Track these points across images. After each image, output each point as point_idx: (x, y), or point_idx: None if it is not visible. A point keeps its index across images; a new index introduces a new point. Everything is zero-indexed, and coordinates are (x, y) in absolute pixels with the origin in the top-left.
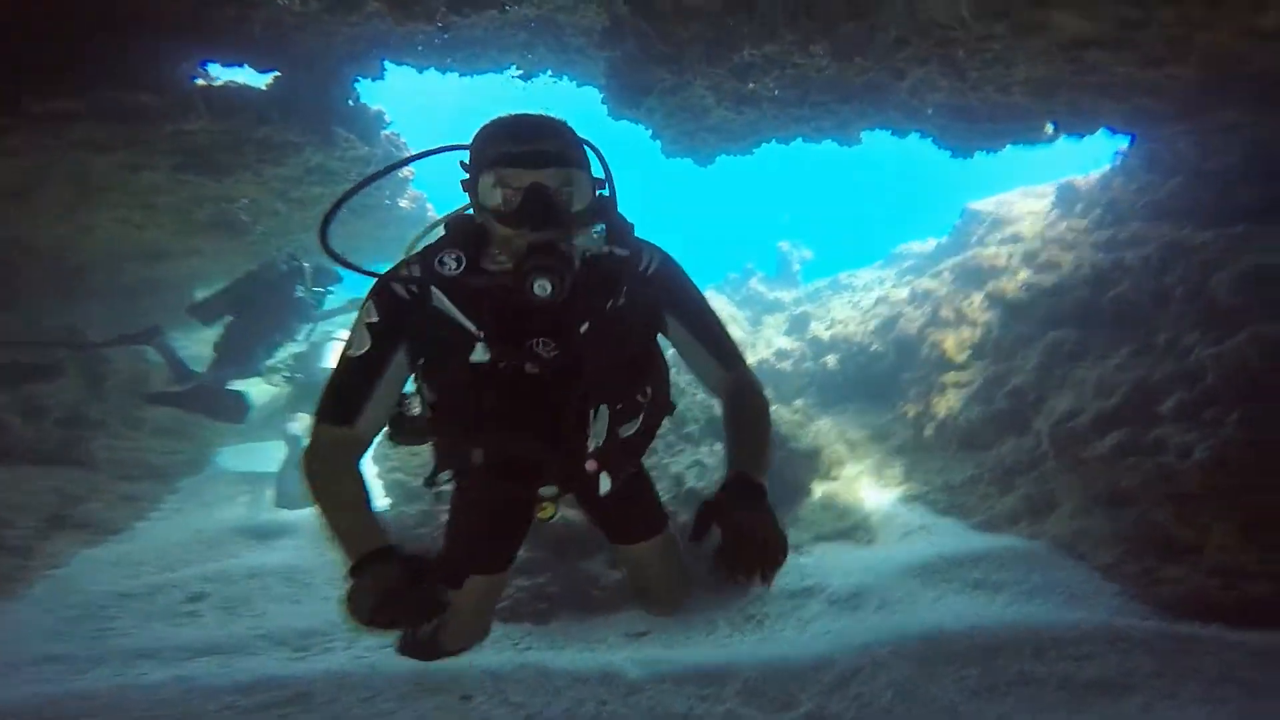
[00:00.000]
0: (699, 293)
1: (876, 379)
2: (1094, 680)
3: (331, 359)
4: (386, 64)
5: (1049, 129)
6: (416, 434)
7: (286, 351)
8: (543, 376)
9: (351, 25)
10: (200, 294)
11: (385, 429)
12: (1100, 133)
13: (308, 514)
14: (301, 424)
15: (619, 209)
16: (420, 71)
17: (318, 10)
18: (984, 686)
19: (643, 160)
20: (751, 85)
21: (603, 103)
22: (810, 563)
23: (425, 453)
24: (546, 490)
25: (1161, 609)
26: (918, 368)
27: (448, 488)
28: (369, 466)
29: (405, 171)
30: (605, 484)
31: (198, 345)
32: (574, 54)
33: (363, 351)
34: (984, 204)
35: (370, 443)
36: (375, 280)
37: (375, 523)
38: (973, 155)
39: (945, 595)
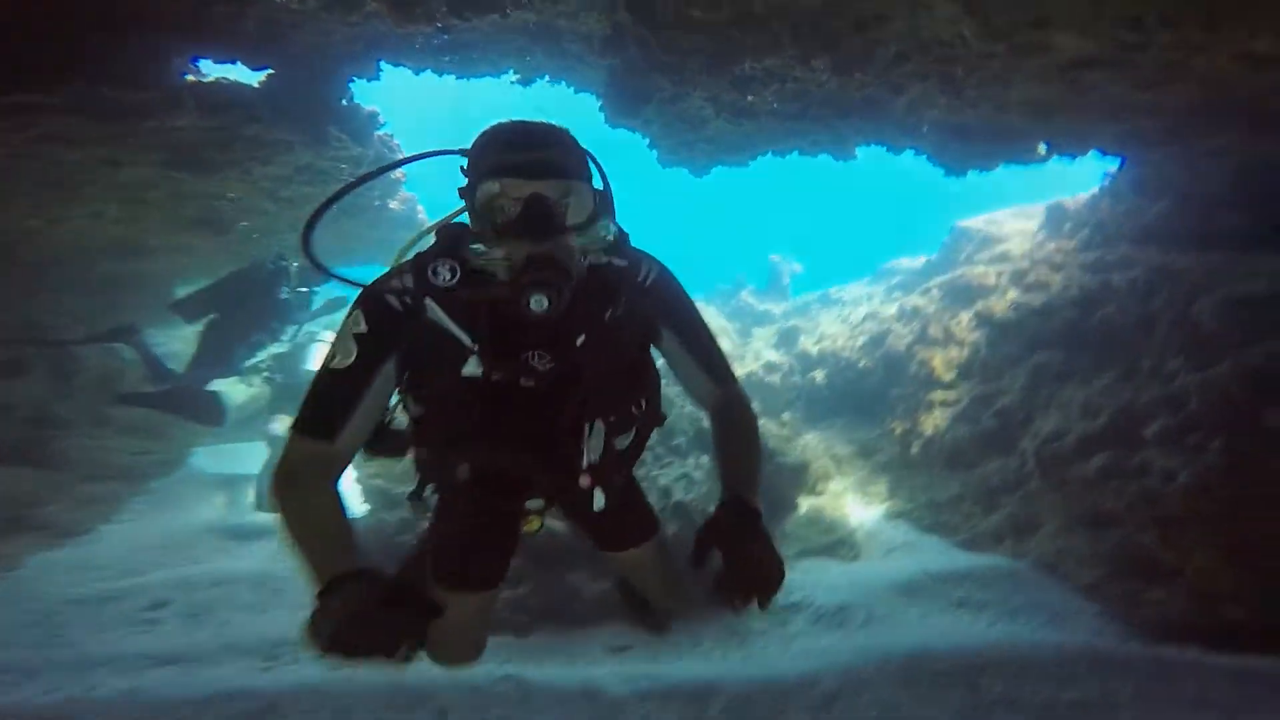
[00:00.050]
0: (694, 306)
1: (864, 395)
2: (1076, 702)
3: (314, 361)
4: (382, 65)
5: (1042, 149)
6: (396, 447)
7: (268, 352)
8: (537, 389)
9: (349, 25)
10: (182, 291)
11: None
12: (1091, 154)
13: None
14: (283, 425)
15: (617, 218)
16: (417, 73)
17: (315, 8)
18: (968, 707)
19: (636, 167)
20: (750, 98)
21: (600, 110)
22: (795, 578)
23: (406, 460)
24: (533, 503)
25: (1142, 631)
26: (905, 385)
27: (433, 498)
28: (347, 471)
29: (397, 173)
30: (600, 500)
31: (177, 342)
32: (572, 60)
33: (348, 363)
34: (973, 222)
35: (350, 460)
36: (364, 289)
37: (351, 544)
38: (966, 174)
39: (929, 613)
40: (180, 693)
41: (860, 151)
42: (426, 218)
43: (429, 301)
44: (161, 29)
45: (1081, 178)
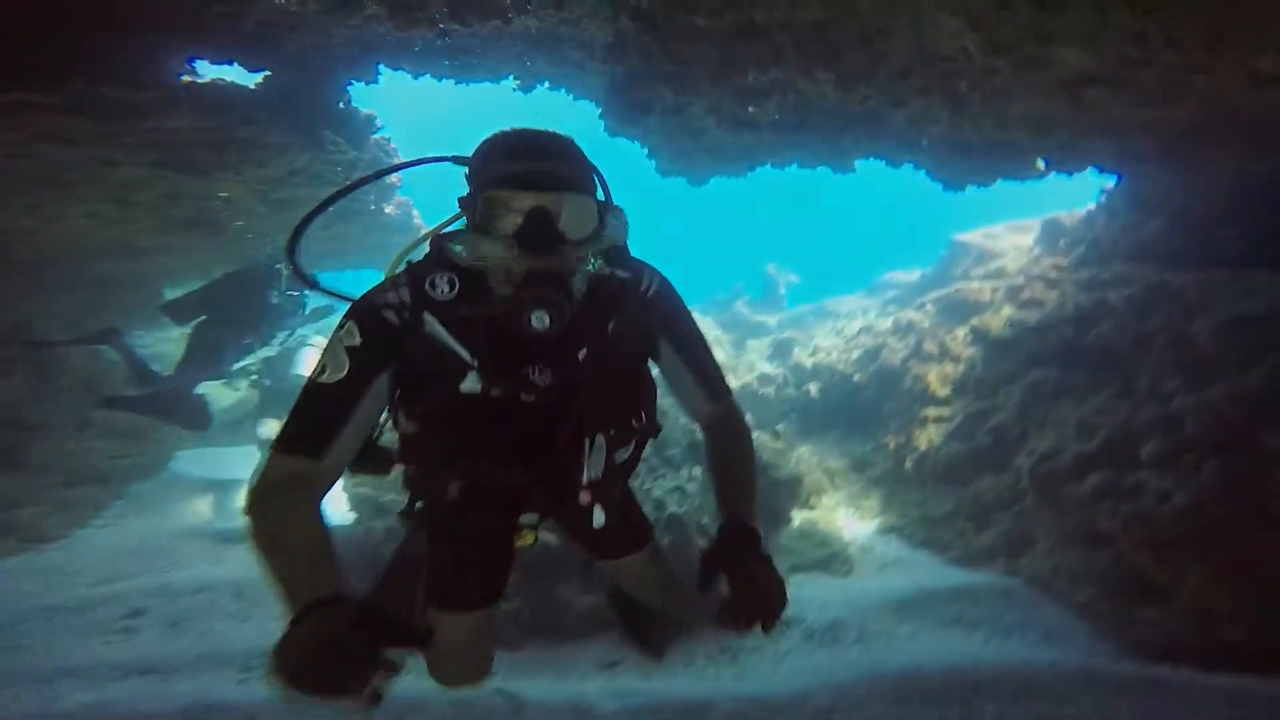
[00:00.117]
0: (692, 318)
1: (858, 408)
2: None
3: (304, 365)
4: (381, 68)
5: (1040, 165)
6: (381, 464)
7: (258, 356)
8: (536, 404)
9: (349, 28)
10: (171, 292)
11: None
12: (1088, 170)
13: None
14: (273, 428)
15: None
16: (415, 77)
17: (315, 11)
18: None
19: (632, 175)
20: (752, 109)
21: (600, 118)
22: (788, 594)
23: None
24: (527, 518)
25: (1136, 650)
26: (900, 399)
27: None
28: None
29: (393, 177)
30: (599, 517)
31: (166, 344)
32: (572, 67)
33: (339, 377)
34: (970, 237)
35: (336, 479)
36: (357, 300)
37: (332, 568)
38: (965, 189)
39: (922, 631)
40: (152, 705)
41: (858, 164)
42: (423, 223)
43: (427, 316)
44: (160, 29)
45: (1077, 192)
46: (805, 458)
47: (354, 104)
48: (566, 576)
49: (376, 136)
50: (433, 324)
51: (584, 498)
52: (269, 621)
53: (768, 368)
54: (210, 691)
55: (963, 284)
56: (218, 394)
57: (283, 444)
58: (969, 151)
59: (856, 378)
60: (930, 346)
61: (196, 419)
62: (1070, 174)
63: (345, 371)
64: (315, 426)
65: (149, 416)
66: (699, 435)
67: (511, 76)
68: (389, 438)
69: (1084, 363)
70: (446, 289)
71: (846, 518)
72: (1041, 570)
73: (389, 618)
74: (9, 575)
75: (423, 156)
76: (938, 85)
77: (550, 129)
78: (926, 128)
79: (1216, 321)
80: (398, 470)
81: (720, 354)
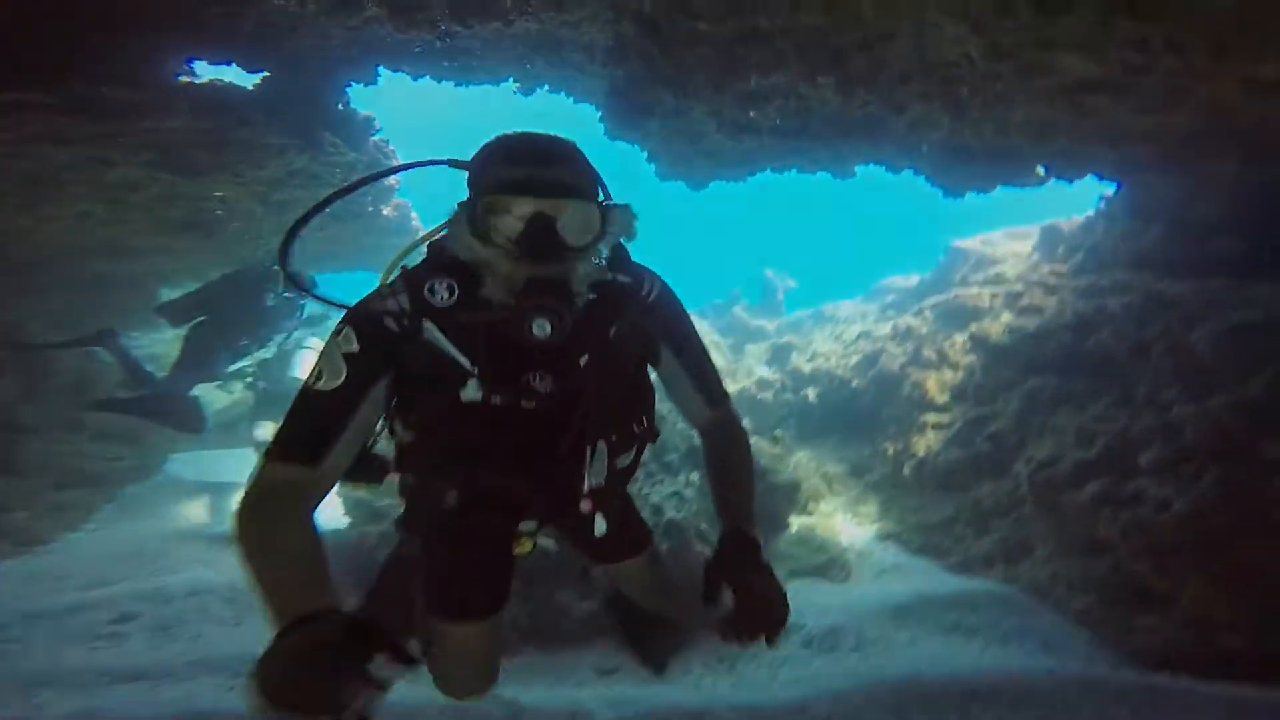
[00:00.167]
0: (692, 324)
1: (856, 414)
2: None
3: (301, 368)
4: (380, 70)
5: (1040, 171)
6: (375, 474)
7: (255, 358)
8: (537, 411)
9: (348, 29)
10: (166, 292)
11: None
12: (1087, 177)
13: None
14: (269, 431)
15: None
16: (415, 79)
17: (315, 12)
18: None
19: (630, 177)
20: (753, 113)
21: (600, 121)
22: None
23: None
24: (526, 525)
25: (1135, 658)
26: (898, 405)
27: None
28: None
29: (390, 179)
30: (600, 526)
31: (160, 345)
32: (572, 70)
33: (336, 384)
34: (968, 243)
35: (331, 488)
36: (354, 306)
37: (324, 581)
38: (964, 195)
39: (920, 638)
40: (140, 712)
41: (858, 169)
42: (421, 225)
43: (426, 323)
44: (159, 29)
45: (1073, 199)
46: (803, 463)
47: (353, 106)
48: (564, 582)
49: (375, 138)
50: (432, 331)
51: (585, 506)
52: (262, 627)
53: (766, 373)
54: (199, 698)
55: (961, 290)
56: (212, 396)
57: (277, 451)
58: (969, 158)
59: (855, 383)
60: (929, 353)
61: (190, 421)
62: (1070, 181)
63: (342, 378)
64: (311, 434)
65: (142, 418)
66: (697, 440)
67: (511, 79)
68: (382, 446)
69: (1083, 370)
70: (446, 295)
71: (844, 523)
72: (1040, 577)
73: (381, 633)
74: (1, 579)
75: (418, 160)
76: (939, 91)
77: (552, 132)
78: (927, 133)
79: (1216, 330)
80: (392, 479)
81: (718, 358)
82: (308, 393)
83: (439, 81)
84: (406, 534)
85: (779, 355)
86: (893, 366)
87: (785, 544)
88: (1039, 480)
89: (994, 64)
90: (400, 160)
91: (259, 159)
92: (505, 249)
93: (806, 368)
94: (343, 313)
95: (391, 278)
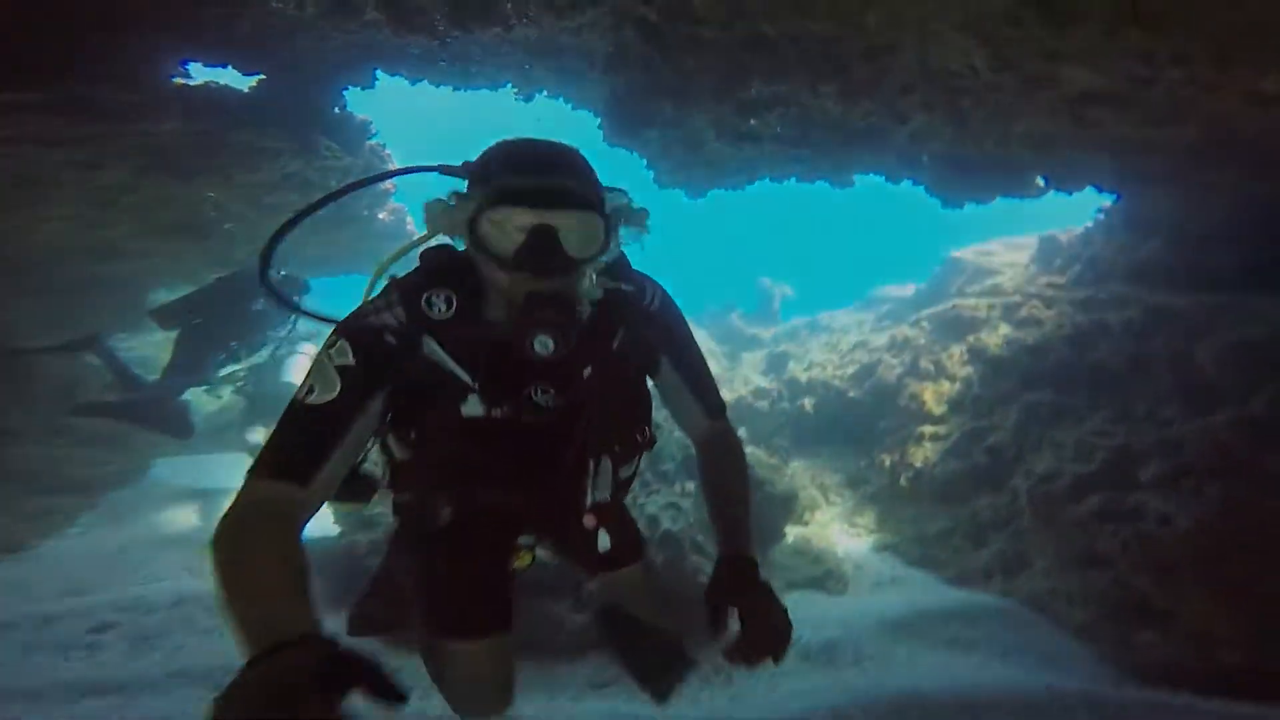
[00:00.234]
0: (691, 333)
1: (852, 424)
2: None
3: (293, 373)
4: (378, 73)
5: (1039, 183)
6: (363, 493)
7: (249, 363)
8: (539, 425)
9: (346, 33)
10: (156, 295)
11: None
12: (1086, 189)
13: None
14: (262, 435)
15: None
16: (413, 83)
17: (313, 15)
18: None
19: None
20: (754, 121)
21: (599, 128)
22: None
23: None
24: (524, 539)
25: (1135, 673)
26: (895, 416)
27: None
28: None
29: (386, 184)
30: (605, 542)
31: (148, 348)
32: (572, 75)
33: (330, 398)
34: (965, 253)
35: (319, 508)
36: (348, 318)
37: (306, 608)
38: (963, 206)
39: (919, 652)
40: None
41: (857, 179)
42: (416, 230)
43: (424, 336)
44: (157, 29)
45: (1070, 210)
46: (799, 473)
47: (349, 109)
48: (558, 594)
49: (371, 142)
50: (431, 345)
51: (589, 521)
52: None
53: (762, 381)
54: (175, 711)
55: (959, 301)
56: (201, 401)
57: (265, 468)
58: (969, 168)
59: (851, 393)
60: (926, 364)
61: (179, 426)
62: (1070, 193)
63: (336, 392)
64: (302, 449)
65: (129, 423)
66: (693, 450)
67: (510, 84)
68: (370, 464)
69: (1082, 384)
70: (444, 308)
71: (841, 534)
72: (1038, 591)
73: (361, 665)
74: None
75: (407, 166)
76: (941, 101)
77: (554, 139)
78: (928, 143)
79: (1220, 345)
80: (383, 497)
81: (715, 367)
82: (298, 407)
83: (437, 86)
84: (399, 552)
85: (776, 364)
86: (889, 377)
87: (782, 555)
88: (1038, 494)
89: (998, 75)
90: (395, 165)
91: (252, 162)
92: (504, 261)
93: (803, 377)
94: (318, 322)
95: (379, 287)
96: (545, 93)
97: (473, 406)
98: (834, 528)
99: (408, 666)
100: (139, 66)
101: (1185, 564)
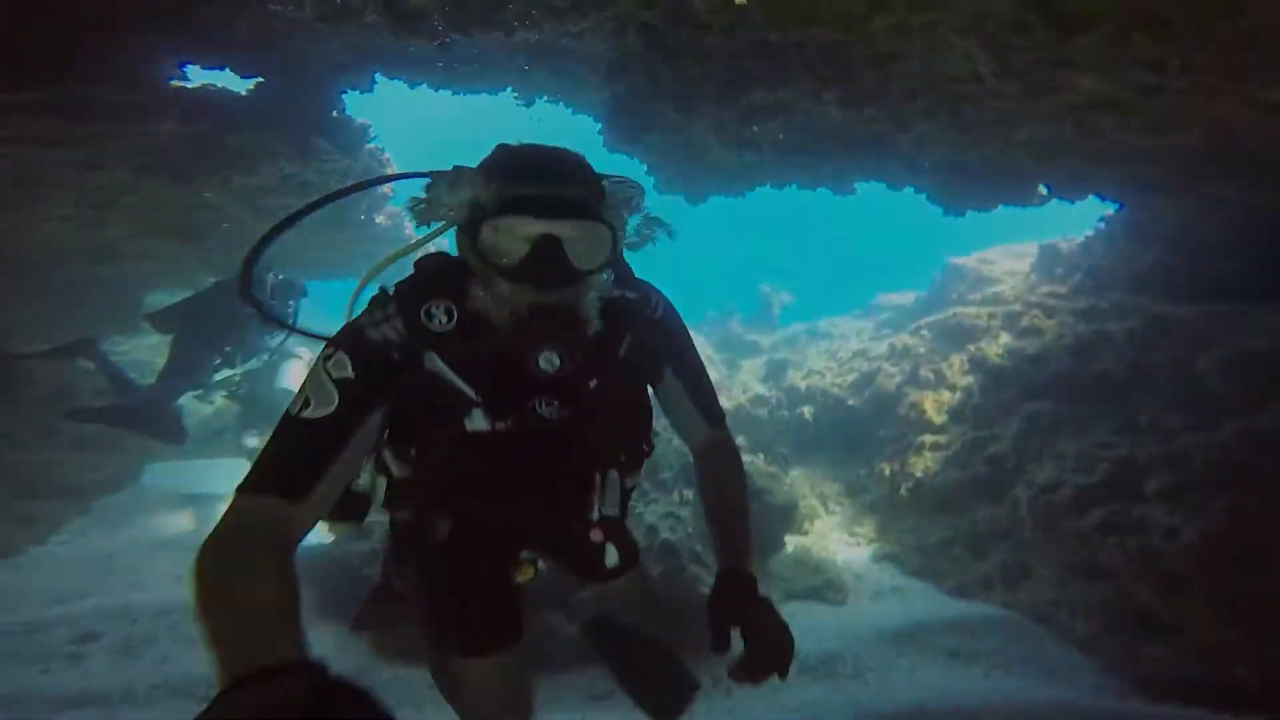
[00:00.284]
0: (692, 341)
1: (852, 433)
2: None
3: (289, 379)
4: (377, 76)
5: (1042, 191)
6: (359, 512)
7: (243, 368)
8: (544, 438)
9: (346, 36)
10: (153, 297)
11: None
12: (1089, 198)
13: None
14: (259, 440)
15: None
16: (412, 87)
17: (312, 18)
18: None
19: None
20: (755, 128)
21: (599, 134)
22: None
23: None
24: (526, 554)
25: (1141, 687)
26: (894, 425)
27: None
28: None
29: (385, 187)
30: (613, 556)
31: (142, 351)
32: (572, 80)
33: (327, 412)
34: (965, 260)
35: (313, 527)
36: (344, 330)
37: (295, 634)
38: (965, 214)
39: (920, 664)
40: None
41: (859, 186)
42: (415, 234)
43: (425, 350)
44: (153, 32)
45: (1069, 218)
46: (799, 481)
47: (348, 113)
48: (553, 603)
49: (370, 145)
50: (433, 360)
51: (596, 536)
52: None
53: (761, 389)
54: None
55: (959, 309)
56: (193, 406)
57: (257, 485)
58: (972, 176)
59: (851, 402)
60: (926, 373)
61: (172, 431)
62: (1072, 201)
63: (334, 406)
64: (297, 465)
65: (122, 428)
66: (691, 459)
67: (511, 89)
68: (362, 482)
69: (1083, 394)
70: (444, 319)
71: (840, 543)
72: (1041, 603)
73: (355, 694)
74: None
75: (412, 170)
76: (945, 108)
77: (557, 145)
78: (931, 150)
79: (1225, 358)
80: (377, 515)
81: (713, 374)
82: (293, 421)
83: (436, 90)
84: (399, 570)
85: (775, 371)
86: (889, 386)
87: (781, 565)
88: (1039, 504)
89: (1004, 82)
90: (395, 169)
91: (250, 165)
92: (507, 271)
93: (802, 385)
94: (334, 335)
95: (364, 295)
96: (545, 97)
97: (477, 421)
98: (833, 537)
99: (405, 677)
100: (138, 68)
101: (1192, 577)
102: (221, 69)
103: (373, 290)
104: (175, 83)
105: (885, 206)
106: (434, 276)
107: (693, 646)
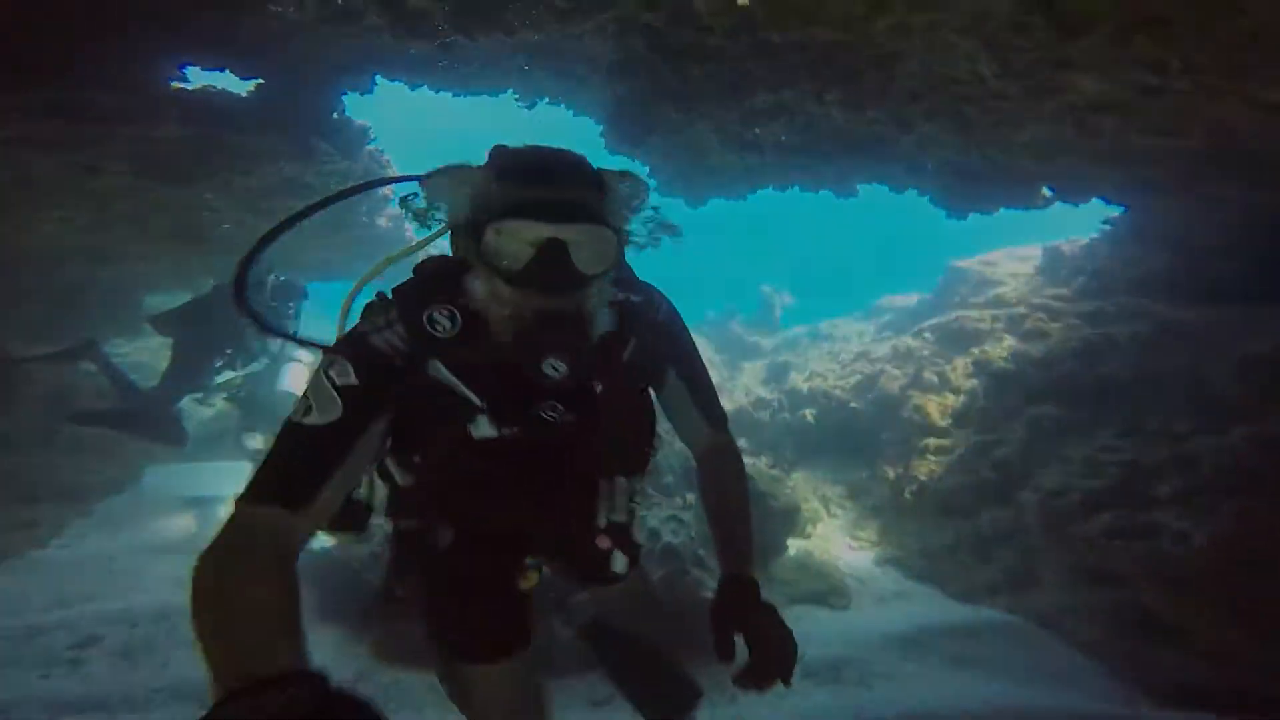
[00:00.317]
0: (694, 344)
1: (854, 435)
2: None
3: (290, 382)
4: (377, 78)
5: (1046, 193)
6: (360, 522)
7: (244, 370)
8: (550, 445)
9: (346, 37)
10: (153, 299)
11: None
12: (1092, 200)
13: None
14: (262, 441)
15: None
16: (412, 89)
17: (313, 19)
18: None
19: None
20: (758, 130)
21: (601, 136)
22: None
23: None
24: (531, 560)
25: (1150, 693)
26: (898, 428)
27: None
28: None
29: (384, 189)
30: (620, 563)
31: (143, 353)
32: (574, 82)
33: (330, 419)
34: (968, 262)
35: (314, 536)
36: (346, 337)
37: (296, 644)
38: (968, 216)
39: (926, 670)
40: None
41: (860, 188)
42: (415, 236)
43: (429, 357)
44: (152, 33)
45: (1071, 220)
46: (801, 484)
47: (348, 115)
48: (553, 607)
49: (370, 147)
50: (437, 367)
51: (603, 543)
52: None
53: (763, 391)
54: None
55: (961, 312)
56: (193, 409)
57: (258, 495)
58: (974, 178)
59: (853, 404)
60: (930, 376)
61: (172, 434)
62: (1076, 203)
63: (337, 413)
64: (299, 473)
65: (122, 431)
66: (693, 463)
67: (511, 90)
68: (361, 491)
69: (1089, 398)
70: (447, 325)
71: (843, 547)
72: (1047, 608)
73: (356, 705)
74: None
75: (399, 174)
76: (948, 110)
77: (561, 147)
78: (933, 152)
79: (1234, 360)
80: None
81: (714, 376)
82: (294, 428)
83: (436, 91)
84: (404, 577)
85: (776, 374)
86: (892, 388)
87: (784, 569)
88: (1046, 509)
89: (1006, 83)
90: (395, 171)
91: (250, 166)
92: (511, 275)
93: (804, 387)
94: (334, 342)
95: (360, 298)
96: (546, 99)
97: (482, 427)
98: (836, 540)
99: (404, 680)
100: (137, 69)
101: (1202, 582)
102: (221, 70)
103: (368, 295)
104: (175, 84)
105: (887, 208)
106: (434, 280)
107: (695, 651)
